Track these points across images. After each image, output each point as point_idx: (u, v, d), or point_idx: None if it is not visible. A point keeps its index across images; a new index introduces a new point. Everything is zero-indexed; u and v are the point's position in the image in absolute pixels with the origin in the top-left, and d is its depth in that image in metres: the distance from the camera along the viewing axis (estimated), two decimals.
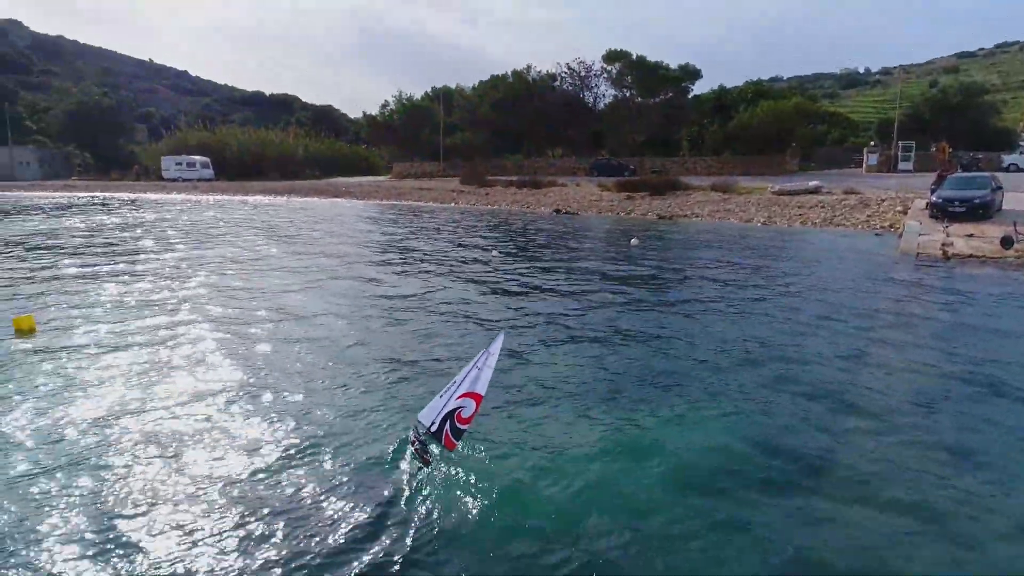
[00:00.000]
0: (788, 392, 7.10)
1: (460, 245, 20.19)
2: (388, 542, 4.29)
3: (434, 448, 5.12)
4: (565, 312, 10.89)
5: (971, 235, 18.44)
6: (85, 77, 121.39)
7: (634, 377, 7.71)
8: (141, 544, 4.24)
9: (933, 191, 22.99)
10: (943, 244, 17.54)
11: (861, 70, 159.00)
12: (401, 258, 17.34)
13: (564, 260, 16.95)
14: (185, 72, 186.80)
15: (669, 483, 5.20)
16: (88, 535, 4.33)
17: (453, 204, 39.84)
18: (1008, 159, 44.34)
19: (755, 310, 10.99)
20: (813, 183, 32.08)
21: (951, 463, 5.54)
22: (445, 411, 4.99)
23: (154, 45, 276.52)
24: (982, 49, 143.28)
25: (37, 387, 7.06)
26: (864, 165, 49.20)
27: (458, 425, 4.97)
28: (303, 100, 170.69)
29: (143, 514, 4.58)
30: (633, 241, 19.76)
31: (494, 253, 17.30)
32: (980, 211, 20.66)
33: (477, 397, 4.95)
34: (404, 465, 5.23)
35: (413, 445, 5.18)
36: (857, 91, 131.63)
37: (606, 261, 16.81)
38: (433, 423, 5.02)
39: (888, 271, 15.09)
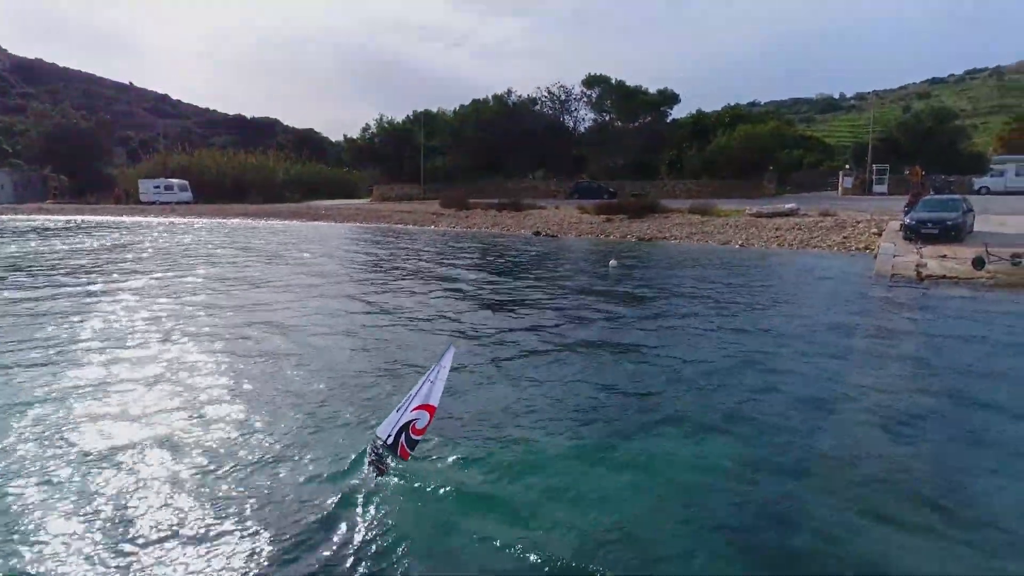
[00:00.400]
0: (765, 411, 7.05)
1: (437, 267, 20.08)
2: (337, 548, 4.52)
3: (390, 460, 5.30)
4: (540, 332, 10.78)
5: (944, 256, 18.63)
6: (64, 100, 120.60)
7: (603, 395, 7.65)
8: (90, 553, 4.36)
9: (906, 213, 23.29)
10: (917, 265, 17.69)
11: (837, 95, 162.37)
12: (374, 280, 17.21)
13: (542, 281, 16.89)
14: (166, 96, 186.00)
15: (638, 497, 5.29)
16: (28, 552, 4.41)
17: (433, 227, 39.77)
18: (979, 182, 45.26)
19: (731, 330, 10.95)
20: (789, 205, 32.42)
21: (928, 478, 5.60)
22: (400, 423, 5.20)
23: (135, 69, 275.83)
24: (952, 75, 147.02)
25: None
26: (840, 188, 50.02)
27: (412, 436, 5.22)
28: (285, 124, 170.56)
29: (94, 525, 4.72)
30: (611, 263, 19.74)
31: (471, 276, 17.19)
32: (952, 232, 20.93)
33: (431, 409, 5.21)
34: (361, 475, 5.50)
35: (370, 456, 5.38)
36: (833, 116, 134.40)
37: (584, 282, 16.77)
38: (389, 435, 5.22)
39: (863, 292, 15.17)
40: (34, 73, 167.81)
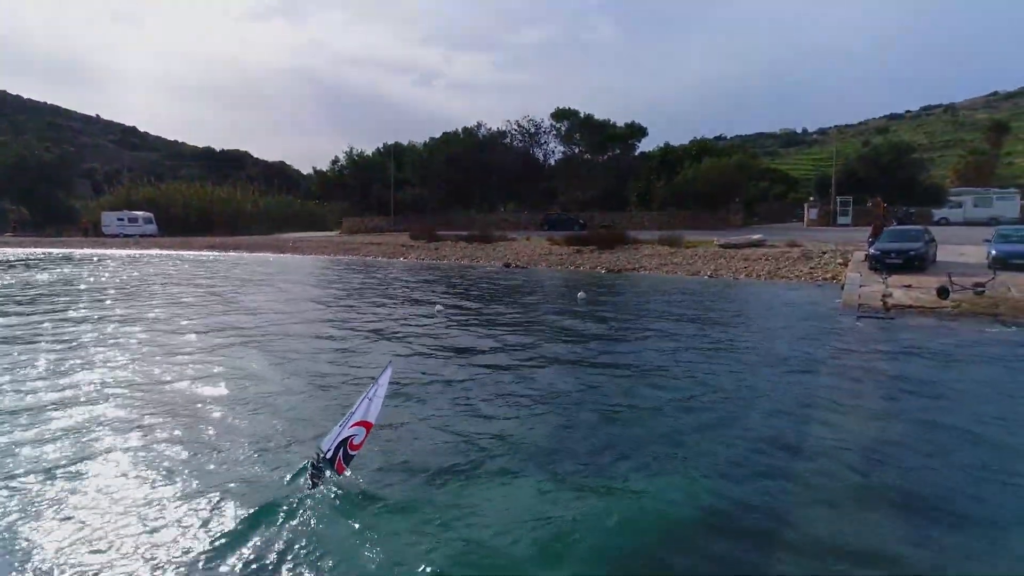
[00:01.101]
0: (734, 445, 6.80)
1: (404, 299, 19.68)
2: (252, 554, 4.71)
3: (328, 473, 5.55)
4: (505, 366, 10.45)
5: (909, 286, 18.77)
6: (27, 131, 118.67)
7: (556, 424, 7.46)
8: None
9: (871, 244, 23.56)
10: (883, 295, 17.77)
11: (799, 130, 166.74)
12: (336, 312, 16.76)
13: (509, 313, 16.60)
14: (133, 128, 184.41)
15: (576, 526, 5.21)
16: None
17: (402, 259, 39.41)
18: (939, 213, 46.40)
19: (700, 362, 10.74)
20: (756, 236, 32.75)
21: (898, 507, 5.48)
22: (340, 439, 5.45)
23: (103, 101, 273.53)
24: (909, 111, 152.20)
25: None
26: (805, 219, 50.87)
27: (349, 452, 5.53)
28: (255, 156, 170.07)
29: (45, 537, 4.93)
30: (580, 295, 19.56)
31: (438, 307, 16.82)
32: (916, 262, 21.16)
33: (368, 425, 5.54)
34: (297, 486, 5.72)
35: (310, 469, 5.65)
36: (796, 149, 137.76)
37: (552, 314, 16.50)
38: (329, 449, 5.48)
39: (832, 322, 15.13)
40: None
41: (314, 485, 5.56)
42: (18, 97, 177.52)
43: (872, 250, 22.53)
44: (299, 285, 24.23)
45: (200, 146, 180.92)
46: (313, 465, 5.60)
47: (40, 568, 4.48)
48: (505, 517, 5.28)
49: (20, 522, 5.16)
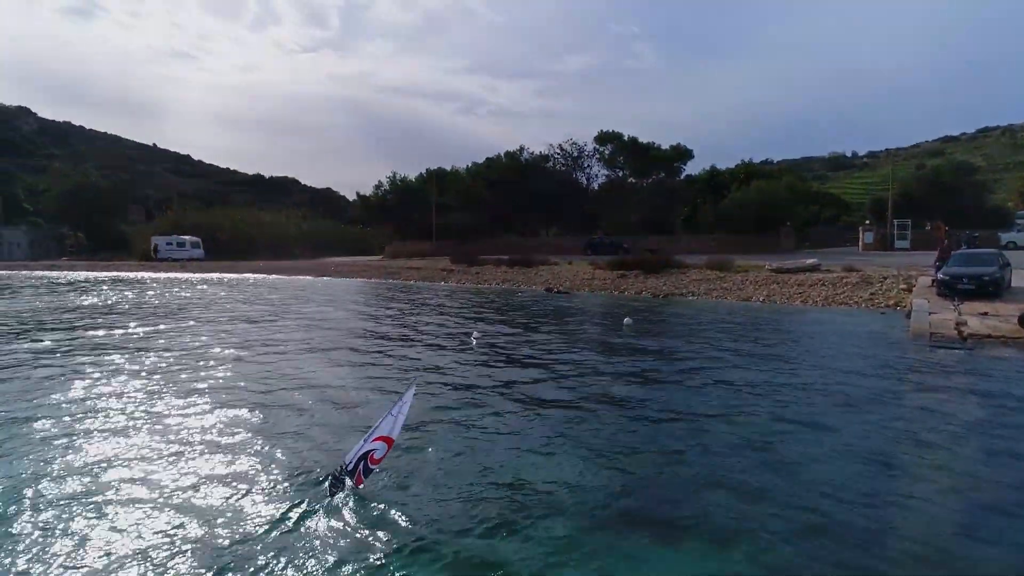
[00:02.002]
0: (810, 501, 5.76)
1: (440, 324, 18.95)
2: (267, 551, 4.97)
3: (348, 483, 5.76)
4: (544, 401, 9.59)
5: (984, 314, 17.29)
6: (87, 160, 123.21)
7: (608, 477, 6.50)
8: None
9: (938, 268, 22.06)
10: (957, 323, 16.36)
11: (848, 154, 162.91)
12: (367, 337, 16.10)
13: (551, 342, 15.69)
14: (187, 156, 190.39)
15: None
16: None
17: (442, 283, 38.88)
18: (1006, 237, 43.88)
19: (761, 399, 9.69)
20: (811, 260, 31.24)
21: None
22: (362, 452, 5.69)
23: (158, 131, 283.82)
24: (964, 133, 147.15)
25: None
26: (860, 243, 48.76)
27: (370, 465, 5.75)
28: (302, 183, 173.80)
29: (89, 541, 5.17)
30: (626, 321, 18.54)
31: (475, 334, 16.01)
32: (991, 288, 19.59)
33: (389, 441, 5.73)
34: (318, 493, 5.93)
35: (331, 479, 5.87)
36: (845, 173, 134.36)
37: (596, 343, 15.55)
38: (351, 462, 5.72)
39: (904, 353, 13.84)
40: (62, 135, 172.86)
41: (332, 494, 5.74)
42: (81, 128, 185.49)
43: (940, 275, 21.02)
44: (334, 309, 23.74)
45: (250, 173, 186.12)
46: (334, 476, 5.83)
47: (74, 556, 4.89)
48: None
49: (61, 517, 5.55)
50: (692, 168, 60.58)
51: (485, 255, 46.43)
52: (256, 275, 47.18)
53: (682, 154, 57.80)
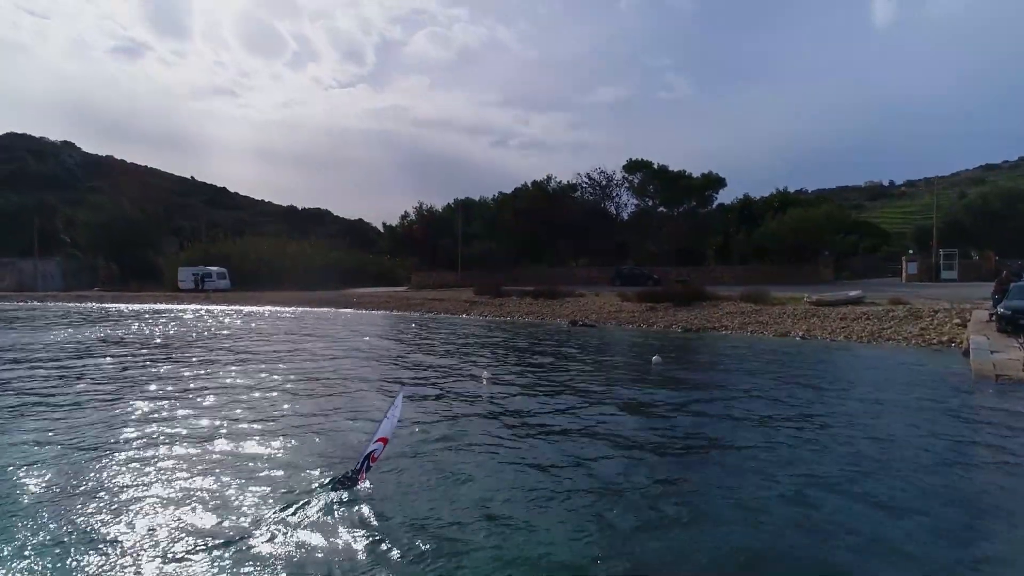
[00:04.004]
0: None
1: (452, 362, 17.57)
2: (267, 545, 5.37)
3: (359, 479, 6.53)
4: (559, 451, 8.17)
5: None
6: (126, 193, 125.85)
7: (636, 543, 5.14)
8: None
9: (996, 301, 20.25)
10: None
11: (885, 183, 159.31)
12: (372, 372, 14.78)
13: (570, 381, 14.25)
14: (224, 188, 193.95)
15: None
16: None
17: (464, 315, 37.68)
18: None
19: (809, 448, 8.19)
20: (854, 292, 29.37)
21: None
22: (366, 452, 6.57)
23: (197, 164, 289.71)
24: (1006, 161, 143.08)
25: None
26: (903, 274, 46.51)
27: (370, 464, 6.64)
28: (334, 214, 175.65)
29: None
30: (654, 359, 17.00)
31: (485, 375, 14.63)
32: None
33: (385, 440, 6.69)
34: (326, 490, 6.55)
35: (341, 476, 6.64)
36: (883, 202, 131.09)
37: (621, 383, 14.04)
38: (359, 462, 6.59)
39: (969, 398, 12.12)
40: (103, 168, 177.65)
41: (335, 488, 6.48)
42: (122, 161, 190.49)
43: (1001, 309, 19.18)
44: (337, 349, 22.60)
45: (284, 204, 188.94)
46: (345, 476, 6.61)
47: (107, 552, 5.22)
48: None
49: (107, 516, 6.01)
50: (724, 197, 58.83)
51: (511, 286, 45.22)
52: (274, 307, 46.57)
53: (714, 182, 56.08)
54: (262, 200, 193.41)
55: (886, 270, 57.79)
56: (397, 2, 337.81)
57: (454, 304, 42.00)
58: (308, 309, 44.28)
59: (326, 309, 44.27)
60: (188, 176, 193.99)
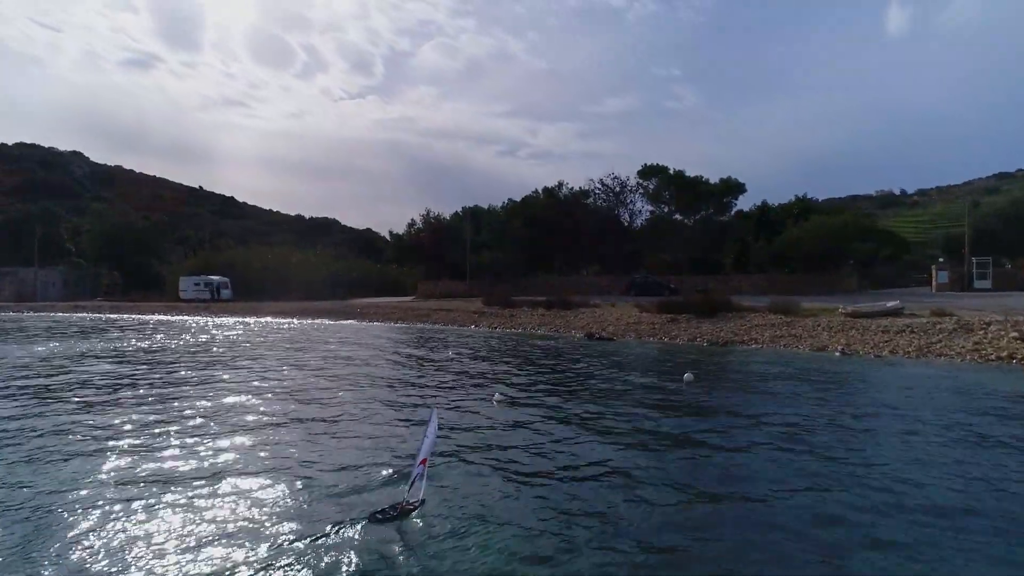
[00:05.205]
0: None
1: (459, 379, 15.61)
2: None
3: (414, 501, 6.30)
4: (581, 496, 6.27)
5: None
6: (133, 202, 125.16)
7: None
8: None
9: None
10: None
11: (897, 191, 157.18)
12: (371, 394, 12.85)
13: (594, 402, 12.25)
14: (232, 198, 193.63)
15: None
16: None
17: (473, 327, 35.73)
18: None
19: (882, 503, 6.24)
20: (892, 303, 27.25)
21: None
22: (414, 476, 6.43)
23: (206, 174, 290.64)
24: (1020, 170, 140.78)
25: None
26: (933, 283, 44.29)
27: (416, 483, 6.47)
28: (342, 223, 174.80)
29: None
30: (686, 377, 15.03)
31: (496, 396, 12.68)
32: None
33: (424, 462, 6.47)
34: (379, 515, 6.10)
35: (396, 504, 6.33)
36: (895, 211, 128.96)
37: (652, 406, 12.02)
38: (409, 489, 6.42)
39: None
40: (111, 178, 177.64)
41: (393, 515, 6.10)
42: (130, 172, 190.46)
43: None
44: (334, 366, 20.71)
45: (292, 214, 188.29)
46: (392, 507, 6.20)
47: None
48: None
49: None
50: (742, 204, 56.67)
51: (521, 295, 43.25)
52: (274, 318, 44.85)
53: (733, 188, 53.86)
54: (270, 210, 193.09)
55: (907, 279, 55.58)
56: (405, 14, 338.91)
57: (462, 315, 40.08)
58: (311, 321, 42.45)
59: (327, 321, 42.44)
60: (197, 186, 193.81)
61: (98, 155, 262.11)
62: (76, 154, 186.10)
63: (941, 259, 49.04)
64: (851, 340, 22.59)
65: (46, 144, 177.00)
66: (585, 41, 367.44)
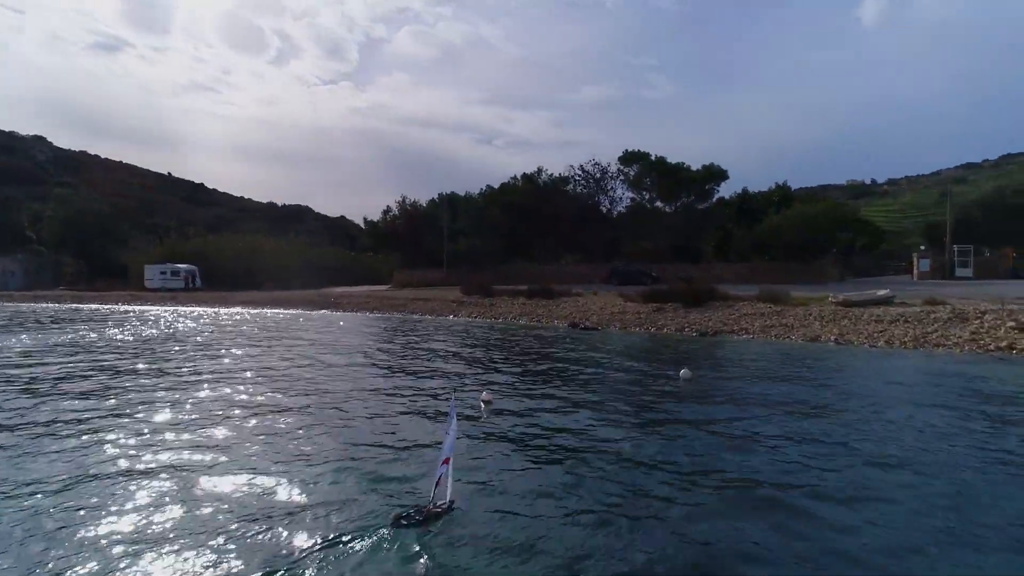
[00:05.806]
0: None
1: (438, 376, 14.50)
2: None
3: (440, 506, 5.73)
4: (586, 522, 5.27)
5: None
6: (100, 189, 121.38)
7: None
8: None
9: None
10: None
11: (867, 181, 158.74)
12: (339, 398, 11.68)
13: (586, 401, 11.22)
14: (202, 184, 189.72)
15: None
16: None
17: (452, 317, 34.63)
18: None
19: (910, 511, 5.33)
20: (883, 292, 26.67)
21: None
22: (437, 478, 5.80)
23: (176, 161, 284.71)
24: (987, 160, 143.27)
25: None
26: (914, 272, 44.12)
27: (440, 488, 5.87)
28: (316, 211, 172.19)
29: None
30: (683, 373, 14.05)
31: (484, 396, 11.59)
32: None
33: (447, 460, 5.86)
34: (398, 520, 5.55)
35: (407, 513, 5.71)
36: (865, 201, 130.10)
37: (648, 405, 11.03)
38: (432, 491, 5.80)
39: None
40: (76, 164, 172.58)
41: (414, 523, 5.53)
42: (96, 157, 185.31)
43: None
44: (316, 359, 19.48)
45: (264, 201, 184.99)
46: (416, 510, 5.66)
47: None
48: None
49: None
50: (723, 191, 56.08)
51: (500, 284, 42.20)
52: (244, 309, 43.23)
53: (715, 175, 53.14)
54: (241, 197, 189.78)
55: (886, 268, 55.54)
56: (382, 0, 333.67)
57: (440, 304, 38.94)
58: (283, 311, 40.92)
59: (297, 311, 40.95)
60: (166, 172, 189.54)
61: (63, 140, 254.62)
62: (39, 139, 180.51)
63: (922, 247, 48.98)
64: (844, 330, 21.92)
65: (6, 128, 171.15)
66: (561, 29, 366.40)
